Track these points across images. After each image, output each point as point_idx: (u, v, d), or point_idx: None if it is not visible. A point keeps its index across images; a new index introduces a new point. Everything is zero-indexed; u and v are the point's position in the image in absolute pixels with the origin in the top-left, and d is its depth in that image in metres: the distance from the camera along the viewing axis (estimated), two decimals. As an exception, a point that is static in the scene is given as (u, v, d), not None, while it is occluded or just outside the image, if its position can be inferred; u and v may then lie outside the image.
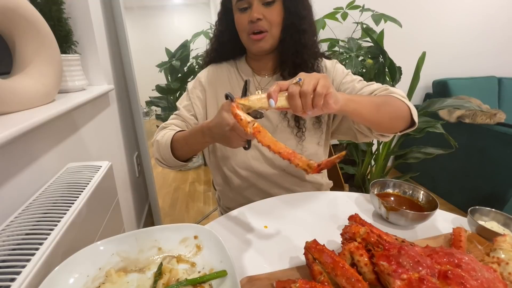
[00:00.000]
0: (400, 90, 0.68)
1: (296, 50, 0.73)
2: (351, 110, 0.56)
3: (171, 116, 0.84)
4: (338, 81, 0.77)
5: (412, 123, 0.67)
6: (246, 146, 0.55)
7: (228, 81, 0.83)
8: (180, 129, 0.78)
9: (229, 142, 0.56)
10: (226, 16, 0.77)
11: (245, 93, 0.55)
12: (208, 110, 0.83)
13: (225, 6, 0.77)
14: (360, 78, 0.77)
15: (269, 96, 0.45)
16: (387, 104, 0.63)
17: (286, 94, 0.47)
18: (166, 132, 0.76)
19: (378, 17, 1.69)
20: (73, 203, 0.54)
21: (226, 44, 0.81)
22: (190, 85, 0.85)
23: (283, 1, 0.70)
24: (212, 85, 0.82)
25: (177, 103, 0.85)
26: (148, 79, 2.95)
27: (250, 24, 0.70)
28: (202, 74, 0.85)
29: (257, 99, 0.46)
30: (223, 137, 0.56)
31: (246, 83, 0.56)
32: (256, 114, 0.51)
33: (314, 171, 0.40)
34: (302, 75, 0.48)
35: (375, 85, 0.72)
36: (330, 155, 1.05)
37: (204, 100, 0.83)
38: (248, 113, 0.47)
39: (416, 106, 1.92)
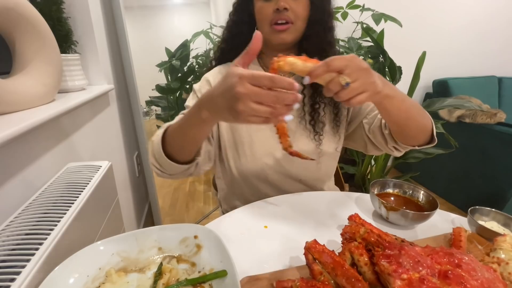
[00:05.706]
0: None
1: (323, 48, 0.69)
2: (385, 106, 0.53)
3: (177, 117, 0.71)
4: None
5: (431, 139, 0.63)
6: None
7: None
8: None
9: (235, 104, 0.38)
10: (242, 6, 0.74)
11: None
12: None
13: None
14: None
15: (309, 74, 0.40)
16: (421, 114, 0.59)
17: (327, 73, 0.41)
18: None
19: (378, 17, 1.69)
20: (73, 203, 0.54)
21: (239, 36, 0.75)
22: (197, 86, 0.81)
23: None
24: None
25: (185, 105, 0.79)
26: (148, 79, 2.94)
27: (276, 13, 0.66)
28: (210, 74, 0.80)
29: (301, 63, 0.40)
30: (228, 99, 0.39)
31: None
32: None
33: (288, 152, 0.50)
34: (353, 73, 0.40)
35: None
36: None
37: None
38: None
39: (416, 106, 1.89)
